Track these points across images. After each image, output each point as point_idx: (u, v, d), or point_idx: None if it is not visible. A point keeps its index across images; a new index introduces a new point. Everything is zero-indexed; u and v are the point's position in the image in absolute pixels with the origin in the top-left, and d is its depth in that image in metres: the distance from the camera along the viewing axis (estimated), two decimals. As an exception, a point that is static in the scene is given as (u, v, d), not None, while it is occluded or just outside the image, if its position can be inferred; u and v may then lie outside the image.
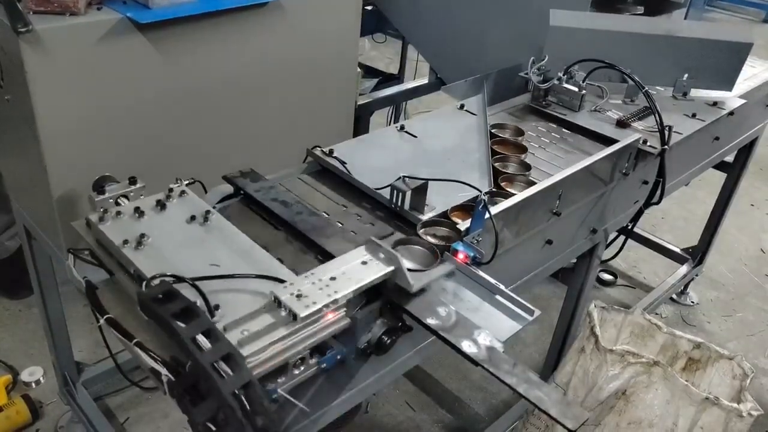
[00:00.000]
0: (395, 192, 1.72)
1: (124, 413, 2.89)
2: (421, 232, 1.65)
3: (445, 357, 3.14)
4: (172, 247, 1.42)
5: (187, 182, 1.71)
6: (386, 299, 1.43)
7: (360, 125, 3.32)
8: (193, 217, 1.51)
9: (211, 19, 2.09)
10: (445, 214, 1.73)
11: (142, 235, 1.41)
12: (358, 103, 3.10)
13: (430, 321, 1.36)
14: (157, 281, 1.26)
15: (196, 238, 1.46)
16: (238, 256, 1.42)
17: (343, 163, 1.90)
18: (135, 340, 1.30)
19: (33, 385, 2.97)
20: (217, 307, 1.24)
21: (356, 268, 1.36)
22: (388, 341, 1.43)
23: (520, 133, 2.27)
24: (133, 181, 1.67)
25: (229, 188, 1.77)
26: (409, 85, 3.92)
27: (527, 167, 2.04)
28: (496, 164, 2.01)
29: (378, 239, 1.42)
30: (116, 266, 1.41)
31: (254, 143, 2.41)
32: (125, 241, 1.40)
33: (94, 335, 3.13)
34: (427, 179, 1.71)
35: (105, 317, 1.37)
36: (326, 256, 1.53)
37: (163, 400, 2.90)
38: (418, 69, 4.22)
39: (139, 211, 1.49)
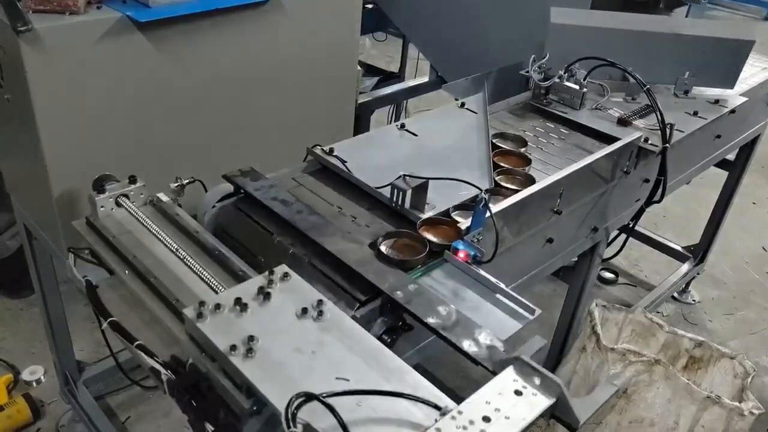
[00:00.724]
0: (396, 191, 1.72)
1: (125, 412, 2.89)
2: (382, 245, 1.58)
3: (445, 356, 3.13)
4: (286, 354, 1.19)
5: (187, 181, 1.72)
6: (386, 298, 1.43)
7: (360, 124, 3.32)
8: (304, 310, 1.27)
9: (211, 18, 2.09)
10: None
11: (251, 338, 1.19)
12: (359, 102, 3.09)
13: (431, 320, 1.35)
14: (299, 427, 1.01)
15: (313, 339, 1.23)
16: (366, 363, 1.19)
17: (343, 161, 1.90)
18: (137, 343, 1.30)
19: (34, 384, 2.97)
20: None
21: (510, 401, 1.10)
22: (389, 340, 1.43)
23: (522, 143, 2.18)
24: (133, 180, 1.67)
25: (229, 187, 1.77)
26: (409, 83, 3.92)
27: (532, 182, 1.94)
28: (498, 178, 1.94)
29: (528, 359, 1.17)
30: (220, 371, 1.20)
31: (254, 142, 2.40)
32: (233, 347, 1.17)
33: (95, 334, 3.13)
34: (428, 178, 1.71)
35: (109, 321, 1.37)
36: (326, 255, 1.53)
37: (165, 399, 2.88)
38: (418, 67, 4.21)
39: (240, 304, 1.25)
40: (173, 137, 2.18)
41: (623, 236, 2.64)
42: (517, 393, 1.12)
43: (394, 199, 1.73)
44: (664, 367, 2.23)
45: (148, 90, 2.05)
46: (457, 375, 3.18)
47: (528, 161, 2.06)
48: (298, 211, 1.66)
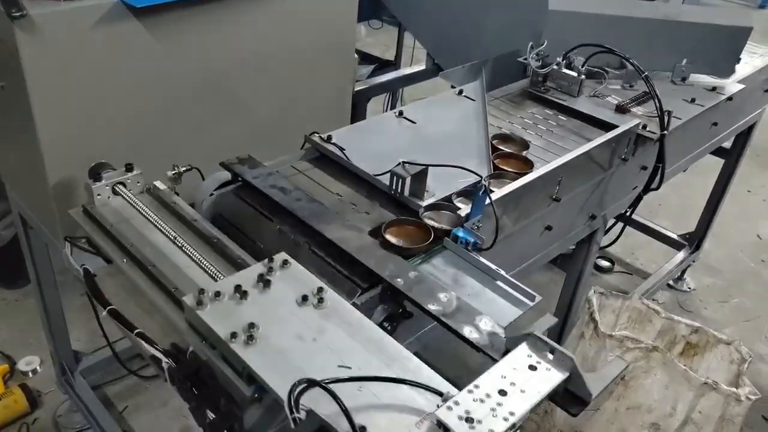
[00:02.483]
0: (395, 178, 1.71)
1: (122, 402, 2.89)
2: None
3: (443, 344, 3.13)
4: (287, 341, 1.18)
5: (184, 168, 1.70)
6: (386, 285, 1.42)
7: (357, 112, 3.29)
8: (304, 298, 1.27)
9: (208, 4, 2.06)
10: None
11: (251, 325, 1.18)
12: (355, 90, 3.07)
13: (432, 307, 1.35)
14: (302, 413, 1.01)
15: (314, 326, 1.22)
16: (367, 350, 1.19)
17: (341, 149, 1.89)
18: (137, 331, 1.29)
19: (30, 374, 2.97)
20: (363, 429, 1.01)
21: (525, 375, 1.12)
22: (389, 327, 1.43)
23: (525, 146, 2.07)
24: (129, 168, 1.66)
25: (226, 175, 1.76)
26: (405, 71, 3.88)
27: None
28: (496, 161, 1.92)
29: (541, 335, 1.19)
30: (220, 359, 1.19)
31: (252, 129, 2.39)
32: (233, 334, 1.16)
33: (91, 324, 3.12)
34: (427, 165, 1.70)
35: (108, 309, 1.36)
36: (326, 243, 1.52)
37: (162, 388, 2.89)
38: (414, 56, 4.19)
39: (240, 291, 1.25)
40: (170, 124, 2.16)
41: (620, 225, 2.64)
42: (532, 368, 1.14)
43: (394, 186, 1.72)
44: (661, 354, 2.24)
45: (145, 76, 2.03)
46: (455, 363, 3.18)
47: (530, 164, 1.96)
48: (296, 198, 1.65)
